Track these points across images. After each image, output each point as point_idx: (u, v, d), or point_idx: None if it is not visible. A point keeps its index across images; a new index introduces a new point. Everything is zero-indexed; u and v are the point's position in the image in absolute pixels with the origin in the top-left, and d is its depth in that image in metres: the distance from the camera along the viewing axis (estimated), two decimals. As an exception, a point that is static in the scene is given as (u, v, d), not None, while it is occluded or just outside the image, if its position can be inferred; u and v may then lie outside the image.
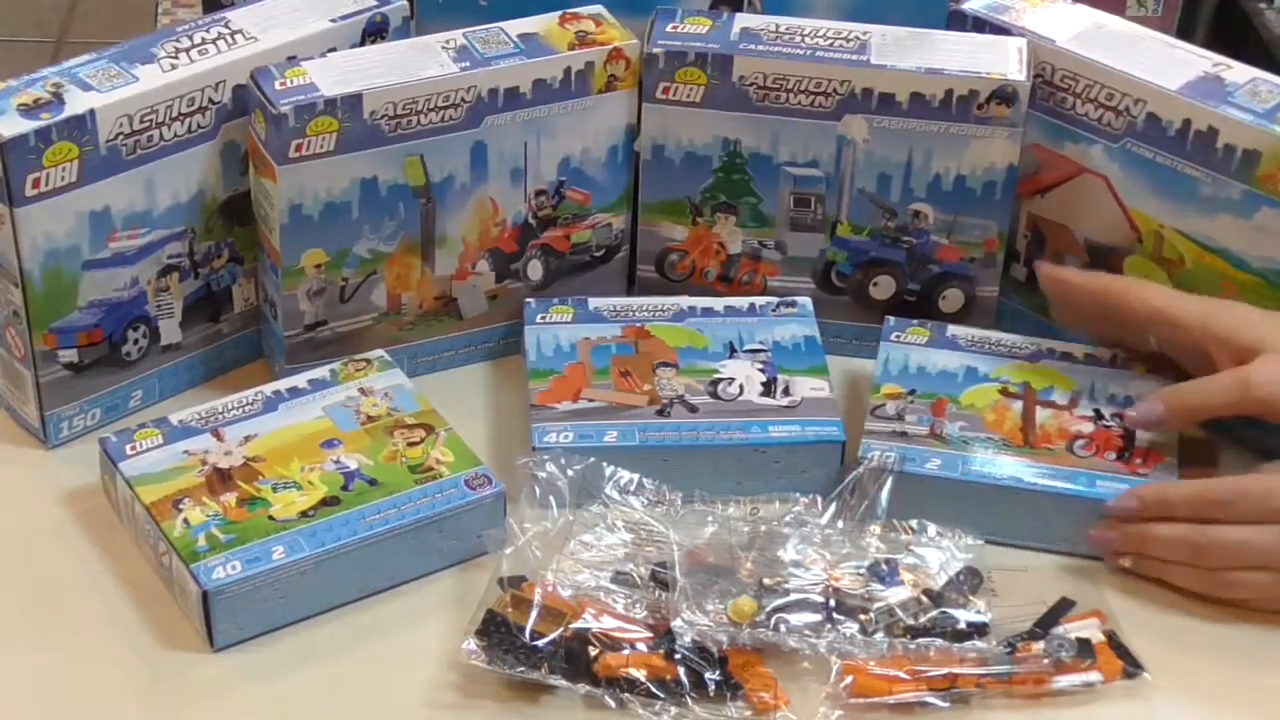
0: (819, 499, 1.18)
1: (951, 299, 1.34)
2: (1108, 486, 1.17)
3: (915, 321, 1.29)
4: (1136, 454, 1.20)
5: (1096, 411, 1.23)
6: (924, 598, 1.11)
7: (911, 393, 1.24)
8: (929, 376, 1.25)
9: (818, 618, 1.10)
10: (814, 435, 1.21)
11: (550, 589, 1.11)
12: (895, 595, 1.11)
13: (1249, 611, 1.16)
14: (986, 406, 1.23)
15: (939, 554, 1.14)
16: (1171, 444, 1.21)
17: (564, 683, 1.07)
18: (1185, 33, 1.56)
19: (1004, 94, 1.26)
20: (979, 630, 1.10)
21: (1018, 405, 1.23)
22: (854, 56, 1.27)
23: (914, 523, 1.16)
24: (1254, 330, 1.18)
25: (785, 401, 1.23)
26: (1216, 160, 1.23)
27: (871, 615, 1.10)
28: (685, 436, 1.21)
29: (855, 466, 1.19)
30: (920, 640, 1.09)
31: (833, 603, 1.11)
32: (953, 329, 1.29)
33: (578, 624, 1.09)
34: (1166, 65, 1.27)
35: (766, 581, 1.11)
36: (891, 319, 1.30)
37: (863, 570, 1.13)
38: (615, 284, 1.36)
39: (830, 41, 1.28)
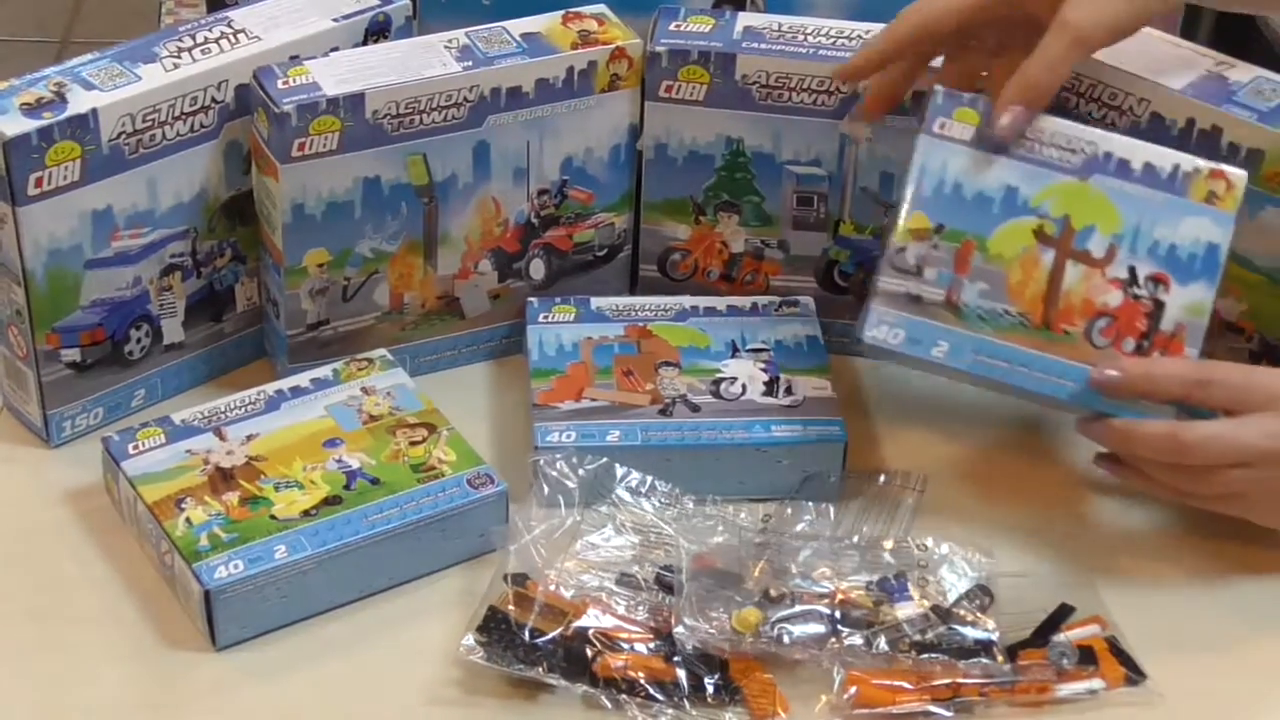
0: (831, 509, 1.17)
1: (955, 298, 1.34)
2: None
3: (967, 99, 1.19)
4: (1157, 341, 1.17)
5: (1131, 272, 1.17)
6: (932, 614, 1.11)
7: (939, 229, 1.17)
8: (964, 203, 1.17)
9: (822, 629, 1.10)
10: (816, 435, 1.21)
11: (553, 588, 1.11)
12: (903, 610, 1.11)
13: (1251, 615, 1.16)
14: (1015, 259, 1.17)
15: (950, 571, 1.14)
16: (1197, 333, 1.17)
17: (562, 682, 1.07)
18: (1188, 32, 1.56)
19: (1007, 93, 1.26)
20: (986, 648, 1.09)
21: (1049, 258, 1.17)
22: (857, 56, 1.27)
23: (928, 540, 1.15)
24: None
25: (787, 401, 1.23)
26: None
27: (877, 629, 1.10)
28: (688, 436, 1.21)
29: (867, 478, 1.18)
30: (925, 655, 1.09)
31: (838, 615, 1.10)
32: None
33: (579, 623, 1.09)
34: (1170, 65, 1.26)
35: (772, 592, 1.11)
36: (940, 93, 1.18)
37: (872, 584, 1.12)
38: (617, 283, 1.36)
39: (833, 40, 1.28)
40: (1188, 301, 1.17)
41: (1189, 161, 1.19)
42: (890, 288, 1.17)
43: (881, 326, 1.16)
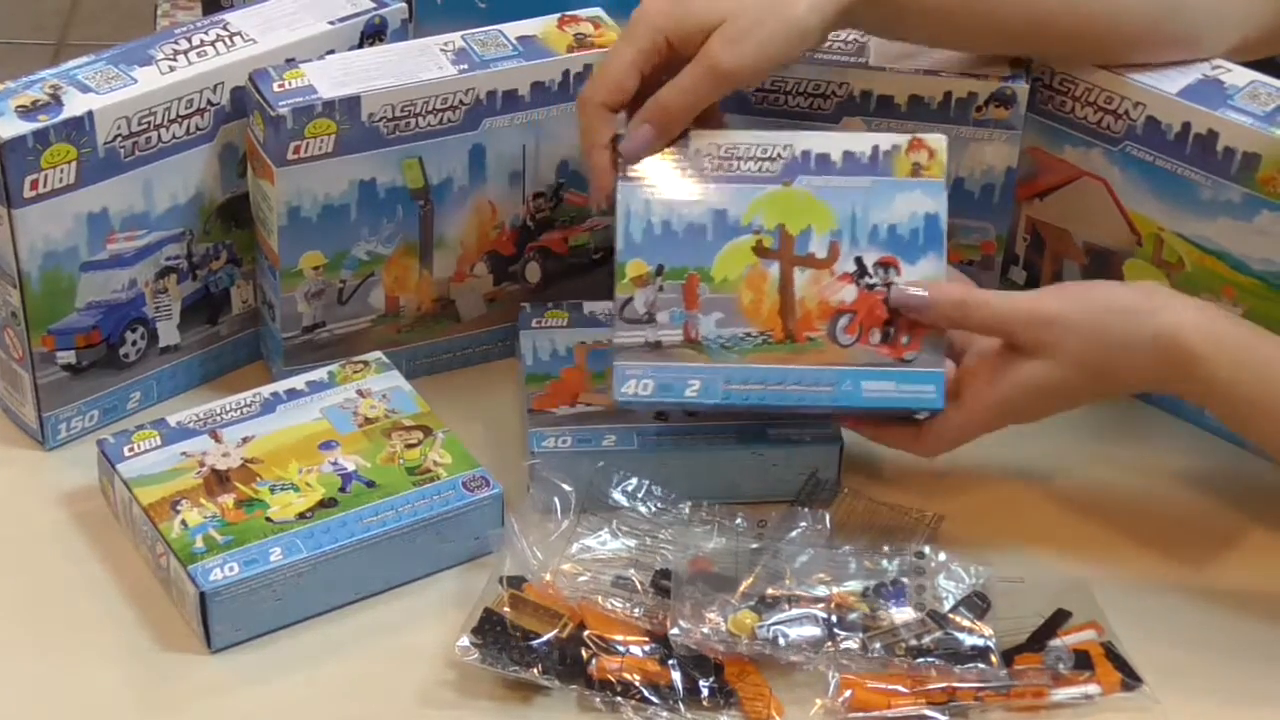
0: (827, 516, 1.17)
1: (950, 302, 1.33)
2: (875, 390, 1.14)
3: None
4: (902, 327, 1.15)
5: (859, 264, 1.16)
6: (928, 620, 1.11)
7: (659, 272, 1.16)
8: (676, 239, 1.16)
9: (818, 632, 1.10)
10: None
11: (549, 590, 1.11)
12: (900, 616, 1.11)
13: (1247, 620, 1.16)
14: (741, 280, 1.16)
15: (948, 578, 1.13)
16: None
17: (557, 684, 1.07)
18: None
19: (1003, 97, 1.26)
20: (981, 654, 1.09)
21: (774, 271, 1.16)
22: (853, 59, 1.27)
23: (925, 547, 1.15)
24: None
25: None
26: (1216, 163, 1.23)
27: (873, 634, 1.10)
28: (685, 441, 1.20)
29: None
30: (920, 660, 1.09)
31: (834, 619, 1.10)
32: (694, 138, 1.18)
33: (574, 626, 1.09)
34: (1165, 68, 1.26)
35: (768, 596, 1.11)
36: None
37: (869, 590, 1.12)
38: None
39: (829, 43, 1.28)
40: (921, 277, 1.16)
41: (886, 140, 1.18)
42: (628, 341, 1.16)
43: (630, 382, 1.15)
